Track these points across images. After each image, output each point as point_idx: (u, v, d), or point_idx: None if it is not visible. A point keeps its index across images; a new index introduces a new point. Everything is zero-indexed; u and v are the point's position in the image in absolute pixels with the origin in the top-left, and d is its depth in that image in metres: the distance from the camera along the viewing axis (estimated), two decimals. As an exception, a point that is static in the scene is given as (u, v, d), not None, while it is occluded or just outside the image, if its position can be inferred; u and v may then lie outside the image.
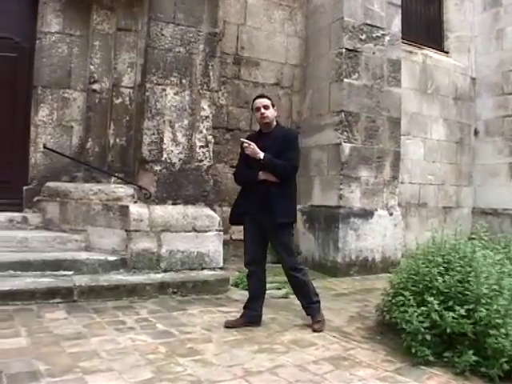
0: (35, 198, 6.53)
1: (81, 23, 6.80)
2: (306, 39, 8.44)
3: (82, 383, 3.22)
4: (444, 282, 4.04)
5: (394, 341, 4.29)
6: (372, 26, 7.84)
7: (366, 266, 7.56)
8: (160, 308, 5.07)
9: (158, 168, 6.13)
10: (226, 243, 6.60)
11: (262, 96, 4.91)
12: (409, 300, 4.07)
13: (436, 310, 3.88)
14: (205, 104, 6.39)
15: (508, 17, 10.01)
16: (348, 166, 7.50)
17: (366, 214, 7.60)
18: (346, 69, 7.59)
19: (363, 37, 7.73)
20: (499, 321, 3.78)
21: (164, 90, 6.20)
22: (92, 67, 6.68)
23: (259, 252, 4.72)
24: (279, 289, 6.14)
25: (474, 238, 4.77)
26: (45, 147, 6.35)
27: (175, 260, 5.97)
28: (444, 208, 9.97)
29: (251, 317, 4.67)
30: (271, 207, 4.47)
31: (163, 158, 6.15)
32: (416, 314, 3.93)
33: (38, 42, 6.68)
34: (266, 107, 4.64)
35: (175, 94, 6.23)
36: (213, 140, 6.47)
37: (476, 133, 10.42)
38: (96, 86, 6.64)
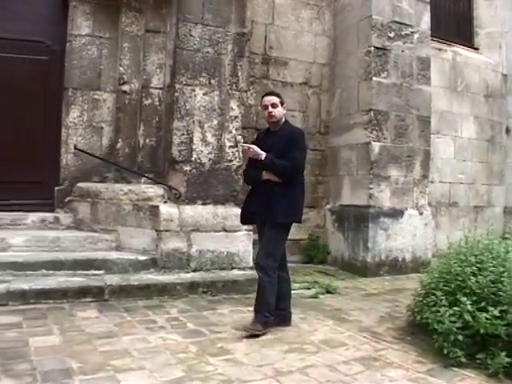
0: (66, 199, 6.63)
1: (110, 25, 6.88)
2: (334, 38, 8.39)
3: (114, 381, 3.25)
4: (477, 282, 3.96)
5: (425, 342, 4.23)
6: (401, 23, 7.77)
7: (395, 266, 7.48)
8: (190, 307, 5.08)
9: (187, 168, 6.17)
10: (255, 243, 6.54)
11: (270, 93, 4.83)
12: (441, 300, 4.01)
13: (468, 311, 3.81)
14: (234, 104, 6.40)
15: (540, 11, 9.86)
16: (378, 165, 7.44)
17: (396, 214, 7.53)
18: (375, 67, 7.53)
19: (392, 35, 7.66)
20: (533, 322, 3.71)
21: (193, 90, 6.23)
22: (121, 69, 6.75)
23: None
24: (308, 289, 6.13)
25: (507, 238, 4.69)
26: (76, 148, 6.43)
27: (205, 260, 6.01)
28: (475, 207, 9.82)
29: (281, 316, 4.64)
30: (272, 206, 4.39)
31: (193, 159, 6.18)
32: (448, 313, 3.87)
33: (68, 44, 6.79)
34: (273, 105, 4.56)
35: (204, 94, 6.26)
36: (242, 140, 6.47)
37: (508, 131, 10.25)
38: (126, 88, 6.72)
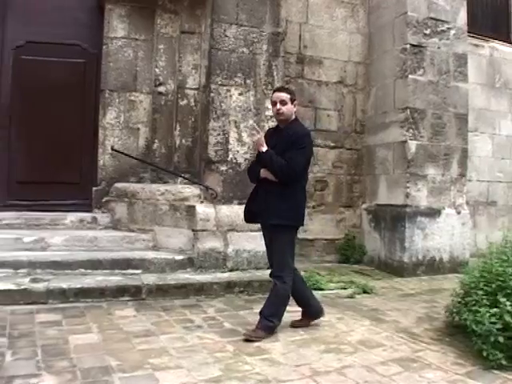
0: (104, 199, 6.73)
1: (145, 28, 6.95)
2: (368, 36, 8.33)
3: (152, 379, 3.28)
4: (518, 282, 3.90)
5: (464, 343, 4.16)
6: (436, 19, 7.66)
7: (433, 266, 7.38)
8: (227, 307, 5.10)
9: (223, 168, 6.20)
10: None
11: (280, 89, 4.62)
12: (482, 299, 3.94)
13: (509, 312, 3.73)
14: (269, 104, 6.36)
15: None
16: (414, 163, 7.36)
17: (433, 213, 7.44)
18: (411, 65, 7.44)
19: (428, 31, 7.56)
20: None
21: (228, 90, 6.27)
22: (157, 70, 6.81)
23: (270, 253, 4.52)
24: (345, 289, 6.11)
25: (549, 238, 4.59)
26: (113, 149, 6.52)
27: (241, 259, 6.02)
28: (514, 206, 9.64)
29: (313, 312, 4.60)
30: (268, 207, 4.24)
31: (229, 159, 6.21)
32: (488, 314, 3.78)
33: (104, 47, 6.89)
34: (282, 102, 4.34)
35: (240, 94, 6.28)
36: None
37: (547, 128, 10.03)
38: (161, 89, 6.78)
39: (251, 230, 6.05)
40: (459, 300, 4.35)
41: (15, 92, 6.82)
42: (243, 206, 6.05)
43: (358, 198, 8.19)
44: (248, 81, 6.33)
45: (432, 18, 7.62)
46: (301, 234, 7.51)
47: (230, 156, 6.22)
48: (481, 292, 4.01)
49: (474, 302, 4.03)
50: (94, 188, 6.79)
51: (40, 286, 4.91)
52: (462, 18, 7.92)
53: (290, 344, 4.09)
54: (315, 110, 7.88)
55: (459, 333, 4.33)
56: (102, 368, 3.41)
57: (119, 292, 5.12)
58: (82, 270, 5.48)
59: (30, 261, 5.40)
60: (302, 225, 4.49)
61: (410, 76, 7.42)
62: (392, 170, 7.63)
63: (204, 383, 3.25)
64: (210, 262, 5.89)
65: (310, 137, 4.48)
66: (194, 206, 6.05)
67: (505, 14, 10.06)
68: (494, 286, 4.03)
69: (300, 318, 4.64)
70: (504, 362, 3.68)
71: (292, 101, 4.40)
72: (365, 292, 6.00)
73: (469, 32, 8.24)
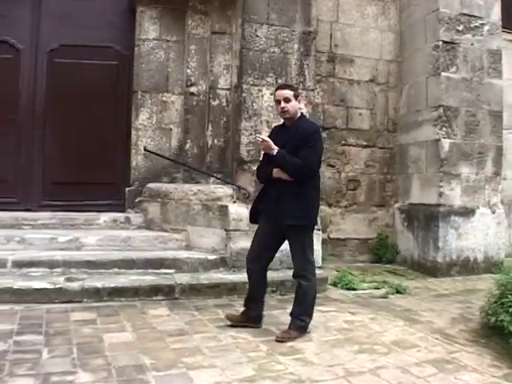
0: (137, 199, 6.80)
1: (176, 29, 7.00)
2: (400, 33, 8.24)
3: (186, 378, 3.29)
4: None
5: (500, 345, 4.08)
6: (469, 15, 7.54)
7: (467, 266, 7.28)
8: (260, 306, 5.10)
9: (256, 168, 6.17)
10: (323, 242, 6.57)
11: (283, 87, 4.55)
12: (519, 300, 3.89)
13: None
14: (301, 103, 6.36)
15: None
16: (448, 162, 7.26)
17: (467, 212, 7.33)
18: (444, 62, 7.34)
19: (460, 28, 7.45)
20: None
21: (260, 90, 6.28)
22: (189, 71, 6.85)
23: (264, 252, 4.43)
24: (378, 288, 6.07)
25: None
26: (145, 150, 6.57)
27: (274, 259, 5.96)
28: (551, 206, 9.45)
29: (250, 317, 4.44)
30: (282, 207, 4.15)
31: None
32: (526, 315, 3.73)
33: (136, 49, 6.96)
34: (286, 100, 4.27)
35: (271, 94, 6.26)
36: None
37: None
38: (193, 89, 6.81)
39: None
40: (495, 301, 4.28)
41: (49, 94, 6.94)
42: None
43: (390, 198, 8.12)
44: (279, 80, 6.31)
45: (465, 14, 7.50)
46: (333, 234, 7.56)
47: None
48: (518, 292, 3.95)
49: (510, 303, 3.96)
50: (127, 188, 6.87)
51: (75, 285, 4.99)
52: (496, 13, 7.78)
53: (324, 344, 4.07)
54: (347, 109, 7.84)
55: (495, 334, 4.26)
56: (137, 366, 3.44)
57: (153, 291, 5.16)
58: (116, 270, 5.53)
59: (65, 260, 5.48)
60: (316, 223, 4.44)
61: (442, 73, 7.32)
62: (425, 169, 7.55)
63: (238, 383, 3.26)
64: (243, 262, 5.78)
65: (320, 133, 4.44)
66: (226, 206, 6.07)
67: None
68: (531, 286, 3.97)
69: (240, 314, 4.50)
70: (543, 365, 3.60)
71: (296, 97, 4.35)
72: (398, 292, 5.94)
73: (503, 27, 8.08)
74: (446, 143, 7.27)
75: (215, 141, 6.72)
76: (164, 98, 6.92)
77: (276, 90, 4.52)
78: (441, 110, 7.29)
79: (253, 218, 4.56)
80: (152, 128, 6.88)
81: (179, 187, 6.51)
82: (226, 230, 5.98)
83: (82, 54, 6.93)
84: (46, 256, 5.53)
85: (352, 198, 7.86)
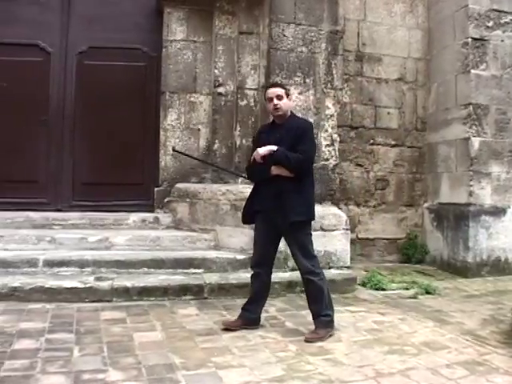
0: (166, 199, 6.82)
1: (204, 29, 7.01)
2: (428, 31, 8.17)
3: (216, 378, 3.30)
4: None
5: (533, 347, 4.02)
6: (499, 11, 7.42)
7: (498, 267, 7.18)
8: (288, 306, 5.09)
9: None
10: (352, 242, 6.53)
11: (274, 85, 4.61)
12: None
13: None
14: (329, 102, 6.37)
15: None
16: (478, 161, 7.18)
17: (498, 212, 7.23)
18: (473, 59, 7.26)
19: (490, 24, 7.35)
20: None
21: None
22: (216, 71, 6.86)
23: (268, 253, 4.38)
24: (407, 289, 6.01)
25: None
26: (174, 150, 6.61)
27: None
28: None
29: (249, 319, 4.39)
30: (284, 204, 4.14)
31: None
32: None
33: (164, 50, 7.00)
34: (279, 97, 4.27)
35: (299, 93, 6.27)
36: (338, 138, 6.43)
37: None
38: (221, 89, 6.81)
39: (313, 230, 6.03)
40: (528, 301, 4.22)
41: (79, 96, 7.03)
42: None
43: (419, 197, 8.06)
44: (307, 80, 6.31)
45: (495, 10, 7.40)
46: (361, 234, 7.54)
47: (290, 155, 6.19)
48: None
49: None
50: (156, 188, 6.91)
51: (105, 285, 5.05)
52: (527, 8, 7.67)
53: (353, 344, 4.05)
54: (375, 108, 7.80)
55: (528, 336, 4.19)
56: (166, 365, 3.46)
57: (182, 291, 5.19)
58: (145, 269, 5.57)
59: (95, 260, 5.54)
60: (314, 219, 4.43)
61: (472, 71, 7.24)
62: (455, 168, 7.46)
63: (267, 382, 3.25)
64: (271, 262, 5.89)
65: (313, 128, 4.49)
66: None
67: None
68: None
69: (235, 319, 4.43)
70: None
71: (287, 96, 4.37)
72: (428, 292, 5.89)
73: (534, 23, 7.98)
74: (475, 142, 7.19)
75: (243, 141, 6.71)
76: (192, 99, 6.95)
77: (267, 88, 4.56)
78: (470, 108, 7.21)
79: (246, 219, 4.56)
80: (180, 128, 6.91)
81: (208, 187, 6.52)
82: (254, 229, 5.95)
83: (110, 56, 7.01)
84: (77, 256, 5.60)
85: (381, 198, 7.82)
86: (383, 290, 5.92)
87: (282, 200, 4.15)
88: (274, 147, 4.16)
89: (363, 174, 7.70)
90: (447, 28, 7.73)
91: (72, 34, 7.06)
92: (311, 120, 6.17)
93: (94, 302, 4.90)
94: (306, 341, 4.07)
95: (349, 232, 6.28)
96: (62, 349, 3.70)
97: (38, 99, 6.91)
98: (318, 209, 6.09)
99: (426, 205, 8.01)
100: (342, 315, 4.83)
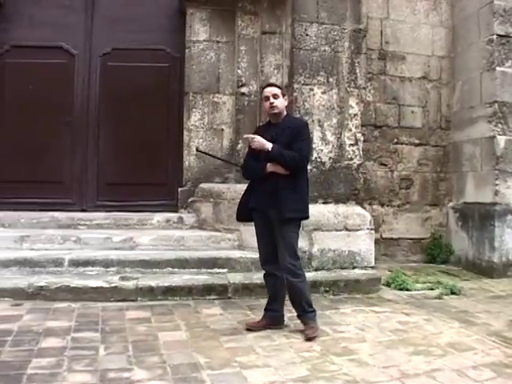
0: (190, 199, 6.86)
1: (226, 30, 7.03)
2: (452, 28, 8.07)
3: (241, 377, 3.30)
4: None
5: (562, 350, 3.95)
6: (525, 7, 7.34)
7: (524, 267, 7.09)
8: (312, 306, 5.09)
9: (308, 167, 6.13)
10: (376, 242, 6.48)
11: (271, 84, 4.64)
12: None
13: None
14: (353, 102, 6.33)
15: None
16: (503, 160, 7.07)
17: (525, 211, 7.14)
18: (498, 56, 7.16)
19: (516, 20, 7.27)
20: None
21: (311, 89, 6.23)
22: (239, 71, 6.87)
23: (271, 251, 4.34)
24: (432, 289, 5.95)
25: None
26: (197, 150, 6.63)
27: (326, 259, 5.98)
28: None
29: (272, 318, 4.39)
30: (279, 201, 4.13)
31: (313, 158, 6.16)
32: None
33: (187, 50, 7.05)
34: (275, 96, 4.31)
35: (323, 93, 6.24)
36: (362, 138, 6.40)
37: None
38: (244, 90, 6.82)
39: (336, 230, 6.05)
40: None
41: (103, 97, 7.12)
42: (329, 206, 6.14)
43: (444, 196, 7.98)
44: (331, 79, 6.28)
45: (521, 6, 7.31)
46: (385, 234, 7.50)
47: (315, 155, 6.18)
48: None
49: None
50: (180, 189, 6.95)
51: (129, 284, 5.09)
52: (554, 3, 7.55)
53: (378, 345, 4.02)
54: (399, 107, 7.74)
55: (556, 338, 4.13)
56: (191, 364, 3.47)
57: (206, 291, 5.21)
58: (170, 269, 5.61)
59: (120, 259, 5.60)
60: (308, 217, 4.43)
61: (497, 68, 7.15)
62: (480, 167, 7.37)
63: (292, 382, 3.24)
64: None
65: (308, 127, 4.55)
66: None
67: None
68: None
69: (259, 320, 4.42)
70: None
71: (283, 96, 4.40)
72: (453, 293, 5.83)
73: (561, 19, 7.86)
74: (501, 140, 7.10)
75: (267, 141, 6.73)
76: (215, 99, 6.98)
77: (264, 87, 4.58)
78: (496, 106, 7.12)
79: (240, 216, 4.58)
80: (204, 129, 6.94)
81: (232, 187, 6.53)
82: (278, 229, 5.96)
83: (133, 57, 7.07)
84: (102, 255, 5.65)
85: (405, 197, 7.76)
86: (408, 290, 5.87)
87: (277, 197, 4.15)
88: (270, 145, 4.17)
89: (387, 173, 7.65)
90: (472, 25, 7.64)
91: (96, 35, 7.15)
92: (335, 119, 6.22)
93: (118, 301, 4.94)
94: (308, 339, 4.07)
95: (373, 232, 6.24)
96: (87, 347, 3.74)
97: (63, 101, 7.01)
98: (342, 209, 6.16)
99: (450, 204, 7.93)
100: (366, 315, 4.83)
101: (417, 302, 5.39)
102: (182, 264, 5.66)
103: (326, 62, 6.31)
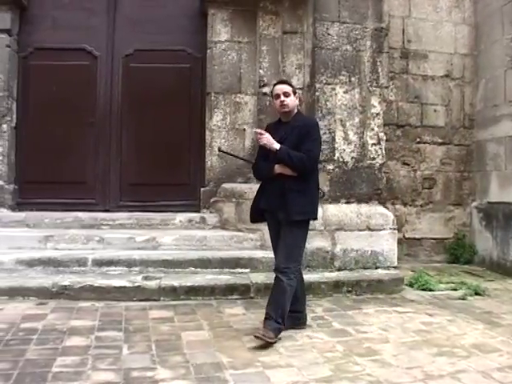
0: (212, 199, 6.88)
1: (248, 30, 7.04)
2: (475, 26, 7.99)
3: (263, 377, 3.31)
4: None
5: None
6: (550, 3, 7.24)
7: (550, 268, 6.99)
8: (335, 306, 5.06)
9: (330, 167, 6.16)
10: (399, 242, 6.44)
11: (282, 82, 4.51)
12: None
13: None
14: (375, 101, 6.30)
15: None
16: (528, 158, 7.01)
17: (550, 211, 7.05)
18: (523, 54, 7.10)
19: (540, 17, 7.17)
20: None
21: (333, 89, 6.21)
22: (261, 71, 6.87)
23: None
24: (455, 290, 5.90)
25: None
26: (220, 150, 6.63)
27: (349, 259, 5.97)
28: None
29: (297, 319, 4.35)
30: (286, 203, 4.05)
31: (335, 157, 6.16)
32: None
33: (208, 51, 7.07)
34: (286, 94, 4.20)
35: (345, 92, 6.22)
36: (384, 137, 6.37)
37: None
38: (266, 89, 6.79)
39: (359, 230, 6.03)
40: None
41: (125, 98, 7.17)
42: (351, 206, 6.12)
43: (467, 196, 7.90)
44: (353, 78, 6.26)
45: (545, 2, 7.20)
46: (408, 233, 7.45)
47: (337, 155, 6.17)
48: None
49: None
50: (202, 189, 6.98)
51: (152, 284, 5.13)
52: None
53: (401, 346, 4.00)
54: (421, 106, 7.68)
55: None
56: (214, 364, 3.49)
57: (228, 290, 5.22)
58: (192, 269, 5.64)
59: (143, 259, 5.64)
60: (316, 218, 4.37)
61: (522, 66, 7.07)
62: (504, 166, 7.27)
63: (315, 383, 3.24)
64: (318, 262, 5.88)
65: (319, 126, 4.39)
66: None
67: None
68: None
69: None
70: None
71: (294, 93, 4.29)
72: (477, 294, 5.76)
73: None
74: (526, 139, 7.02)
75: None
76: (237, 99, 6.99)
77: (275, 85, 4.47)
78: (520, 104, 7.03)
79: (253, 217, 4.45)
80: (226, 129, 6.95)
81: (254, 187, 6.44)
82: (300, 229, 5.95)
83: (155, 58, 7.11)
84: (125, 255, 5.71)
85: (428, 197, 7.71)
86: (431, 290, 5.83)
87: (284, 199, 4.07)
88: (278, 146, 4.09)
89: (410, 172, 7.60)
90: (495, 22, 7.55)
91: (118, 37, 7.21)
92: (357, 119, 6.19)
93: (141, 300, 4.98)
94: (256, 336, 3.90)
95: (396, 232, 6.21)
96: (111, 346, 3.77)
97: (86, 102, 7.08)
98: (365, 208, 6.13)
99: (474, 204, 7.85)
100: (389, 316, 4.80)
101: (440, 303, 5.35)
102: (205, 264, 5.69)
103: (348, 62, 6.29)
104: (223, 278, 5.44)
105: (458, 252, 7.66)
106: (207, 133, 6.98)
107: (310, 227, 5.84)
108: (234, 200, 6.63)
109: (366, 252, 6.00)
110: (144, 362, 3.49)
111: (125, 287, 5.04)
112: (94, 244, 6.05)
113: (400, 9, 7.71)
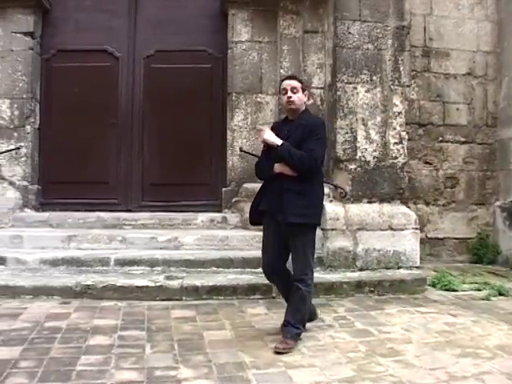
0: (233, 199, 6.88)
1: (268, 30, 7.03)
2: (498, 23, 7.89)
3: (286, 377, 3.30)
4: None
5: None
6: None
7: None
8: (357, 306, 5.04)
9: (352, 167, 6.15)
10: (421, 241, 6.40)
11: (291, 77, 4.29)
12: None
13: None
14: (397, 100, 6.26)
15: None
16: (553, 157, 6.92)
17: None
18: (547, 51, 7.02)
19: None
20: None
21: (355, 88, 6.20)
22: (282, 71, 6.84)
23: (277, 255, 4.07)
24: (479, 290, 5.84)
25: None
26: (241, 150, 6.66)
27: (371, 259, 5.95)
28: None
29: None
30: (283, 205, 3.88)
31: (357, 157, 6.15)
32: None
33: (229, 51, 7.08)
34: (293, 90, 4.02)
35: (366, 91, 6.20)
36: (406, 136, 6.33)
37: None
38: (287, 89, 6.81)
39: (381, 229, 6.01)
40: None
41: (147, 98, 7.21)
42: (373, 205, 6.10)
43: (490, 195, 7.82)
44: (374, 77, 6.23)
45: None
46: (431, 233, 7.41)
47: (359, 154, 6.16)
48: None
49: None
50: (224, 189, 6.99)
51: (174, 283, 5.15)
52: None
53: (424, 346, 3.96)
54: (443, 105, 7.62)
55: None
56: (236, 364, 3.49)
57: (250, 290, 5.23)
58: (214, 269, 5.67)
59: (165, 259, 5.69)
60: (320, 223, 4.22)
61: (546, 63, 6.99)
62: (528, 165, 7.21)
63: (337, 383, 3.23)
64: (340, 261, 5.88)
65: (325, 126, 4.19)
66: (323, 205, 6.02)
67: None
68: None
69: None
70: None
71: (303, 90, 4.12)
72: (501, 294, 5.70)
73: None
74: (550, 137, 6.93)
75: (310, 140, 6.72)
76: (258, 99, 6.98)
77: (283, 80, 4.29)
78: (545, 102, 6.95)
79: (253, 218, 4.24)
80: (247, 129, 6.95)
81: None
82: (322, 229, 5.92)
83: (176, 59, 7.14)
84: (147, 255, 5.75)
85: (450, 196, 7.65)
86: (454, 290, 5.78)
87: (282, 199, 3.91)
88: (280, 141, 3.93)
89: (432, 172, 7.55)
90: (519, 19, 7.47)
91: (139, 38, 7.26)
92: (379, 118, 6.16)
93: (164, 300, 5.00)
94: (276, 352, 3.76)
95: (418, 231, 6.19)
96: (134, 345, 3.80)
97: (108, 103, 7.15)
98: (387, 208, 6.10)
99: (497, 203, 7.76)
100: (412, 316, 4.77)
101: (463, 303, 5.30)
102: (227, 264, 5.72)
103: (369, 60, 6.26)
104: (245, 277, 5.44)
105: (481, 252, 7.57)
106: (228, 133, 6.99)
107: (332, 227, 5.91)
108: (255, 200, 6.62)
109: (388, 252, 5.98)
110: (167, 361, 3.51)
111: (147, 287, 5.06)
112: (117, 244, 6.10)
113: (421, 7, 7.66)
